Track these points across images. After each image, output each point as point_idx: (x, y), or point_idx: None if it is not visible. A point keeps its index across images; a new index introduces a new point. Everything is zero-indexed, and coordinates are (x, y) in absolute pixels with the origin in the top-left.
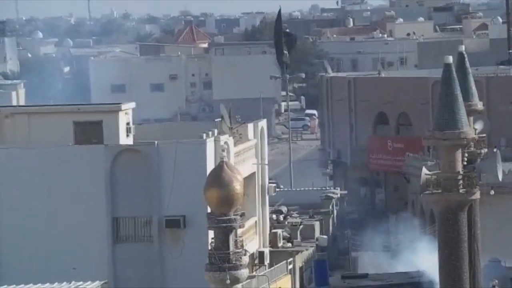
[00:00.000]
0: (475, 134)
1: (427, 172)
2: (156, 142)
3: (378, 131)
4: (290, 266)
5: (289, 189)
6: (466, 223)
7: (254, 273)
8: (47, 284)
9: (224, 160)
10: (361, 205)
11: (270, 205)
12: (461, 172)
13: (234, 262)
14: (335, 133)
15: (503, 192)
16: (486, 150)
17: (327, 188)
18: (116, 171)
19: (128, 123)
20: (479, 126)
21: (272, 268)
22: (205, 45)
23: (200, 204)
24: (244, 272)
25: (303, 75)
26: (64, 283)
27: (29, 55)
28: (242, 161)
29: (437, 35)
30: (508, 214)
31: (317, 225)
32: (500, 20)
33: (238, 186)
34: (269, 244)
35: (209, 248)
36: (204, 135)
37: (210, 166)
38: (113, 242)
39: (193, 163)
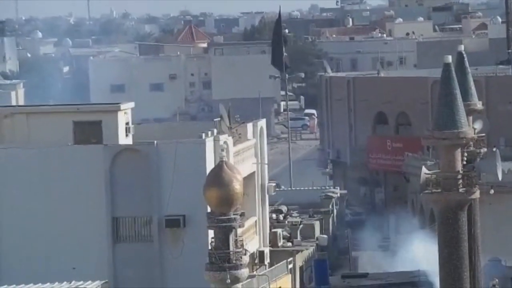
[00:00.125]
0: (475, 134)
1: (427, 171)
2: (155, 142)
3: (377, 131)
4: (290, 266)
5: (289, 188)
6: (466, 222)
7: (254, 272)
8: (47, 284)
9: (224, 159)
10: (361, 205)
11: (269, 205)
12: (461, 172)
13: (234, 261)
14: (334, 132)
15: (502, 192)
16: (485, 149)
17: (327, 187)
18: (116, 171)
19: (127, 123)
20: (478, 125)
21: (272, 267)
22: (205, 45)
23: (200, 203)
24: (244, 272)
25: (303, 75)
26: (64, 283)
27: (29, 55)
28: (241, 160)
29: (436, 34)
30: (508, 213)
31: (317, 224)
32: (500, 19)
33: (237, 186)
34: (269, 243)
35: (209, 247)
36: (204, 135)
37: (210, 165)
38: (113, 242)
39: (193, 163)
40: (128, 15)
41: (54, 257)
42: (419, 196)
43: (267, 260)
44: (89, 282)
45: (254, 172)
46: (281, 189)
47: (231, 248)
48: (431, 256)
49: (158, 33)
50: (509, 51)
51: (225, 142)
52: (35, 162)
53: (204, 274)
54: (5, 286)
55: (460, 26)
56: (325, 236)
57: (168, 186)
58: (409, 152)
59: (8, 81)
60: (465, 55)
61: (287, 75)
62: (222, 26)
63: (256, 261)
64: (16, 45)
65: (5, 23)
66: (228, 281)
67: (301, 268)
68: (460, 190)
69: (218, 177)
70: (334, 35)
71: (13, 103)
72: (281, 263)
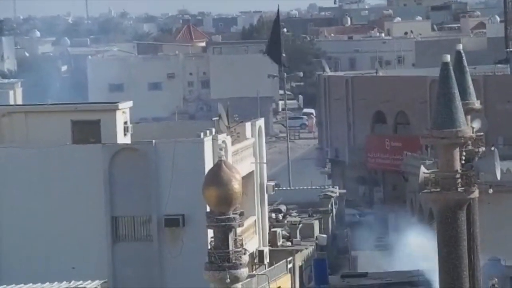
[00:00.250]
0: (473, 133)
1: (425, 170)
2: (154, 141)
3: (376, 130)
4: (290, 265)
5: (288, 188)
6: (465, 221)
7: (253, 272)
8: (47, 283)
9: (223, 159)
10: (361, 204)
11: (269, 204)
12: (459, 171)
13: (233, 261)
14: (333, 132)
15: (501, 191)
16: (484, 148)
17: (326, 187)
18: (114, 170)
19: (126, 122)
20: (476, 124)
21: (272, 267)
22: (203, 44)
23: (199, 203)
24: (243, 271)
25: (301, 74)
26: (64, 282)
27: (27, 54)
28: (240, 160)
29: (434, 34)
30: (507, 212)
31: (316, 224)
32: (498, 19)
33: (236, 185)
34: (269, 243)
35: (209, 247)
36: (202, 134)
37: (208, 165)
38: (112, 241)
39: (191, 162)
40: (126, 14)
41: (54, 257)
42: (418, 195)
43: (266, 260)
44: (89, 281)
45: (252, 171)
46: (280, 188)
47: (231, 247)
48: (428, 252)
49: (156, 32)
50: (507, 50)
51: (223, 141)
52: (33, 161)
53: (204, 274)
54: (4, 286)
55: (459, 25)
56: (324, 235)
57: (167, 185)
58: (408, 151)
59: (6, 80)
60: (463, 54)
61: (285, 74)
62: (220, 25)
63: (255, 261)
64: (14, 44)
65: (3, 22)
66: (228, 280)
67: (300, 267)
68: (459, 189)
69: (217, 177)
70: (332, 34)
71: (11, 102)
72: (281, 262)
